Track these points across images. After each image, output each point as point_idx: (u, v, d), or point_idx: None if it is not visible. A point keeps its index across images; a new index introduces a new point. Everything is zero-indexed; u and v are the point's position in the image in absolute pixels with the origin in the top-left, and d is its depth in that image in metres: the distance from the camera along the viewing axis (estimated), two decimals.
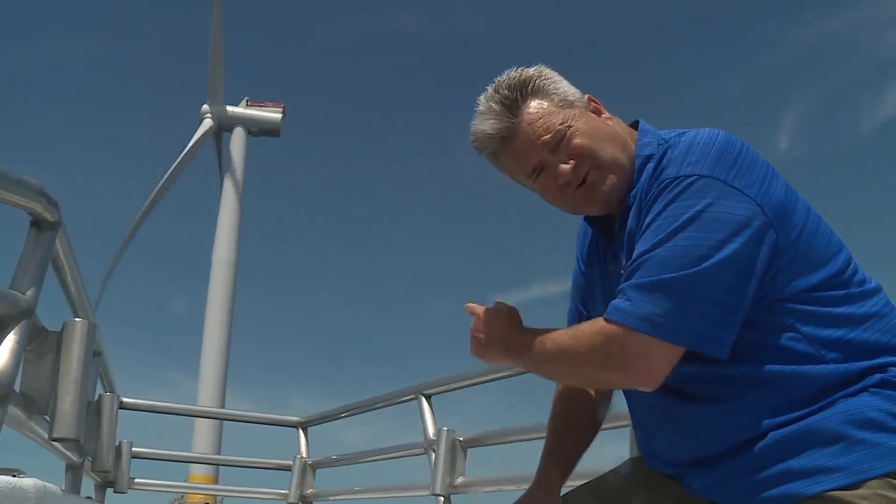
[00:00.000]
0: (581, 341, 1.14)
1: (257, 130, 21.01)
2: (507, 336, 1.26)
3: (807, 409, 1.06)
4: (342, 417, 4.11)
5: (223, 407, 14.91)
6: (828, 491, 1.01)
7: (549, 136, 1.19)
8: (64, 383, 1.64)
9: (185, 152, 19.18)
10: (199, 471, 11.85)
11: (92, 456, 3.09)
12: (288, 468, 4.20)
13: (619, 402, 1.45)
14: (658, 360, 1.07)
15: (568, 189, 1.20)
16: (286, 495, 4.10)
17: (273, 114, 21.14)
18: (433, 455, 2.95)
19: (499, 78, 1.24)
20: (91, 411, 2.98)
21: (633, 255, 1.11)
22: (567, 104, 1.21)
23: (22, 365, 1.50)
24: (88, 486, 3.39)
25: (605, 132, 1.21)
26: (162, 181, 18.95)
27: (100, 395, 3.20)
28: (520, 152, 1.21)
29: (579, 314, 1.40)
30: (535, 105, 1.21)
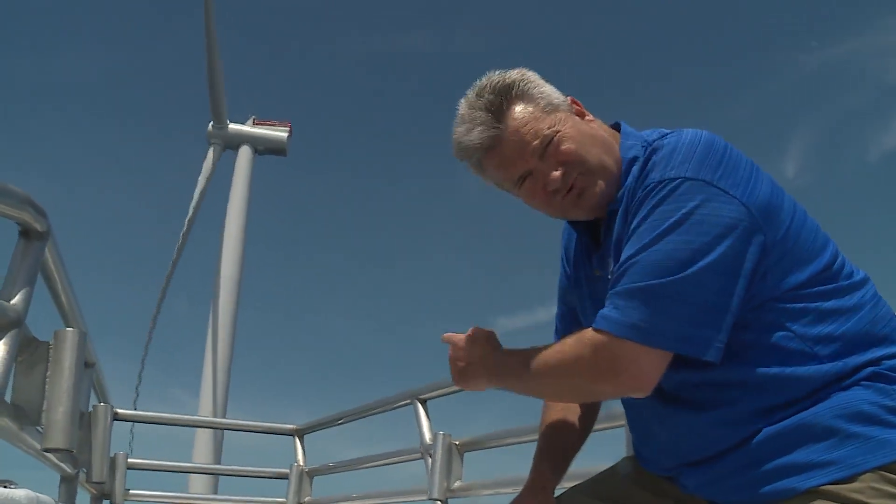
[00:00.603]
0: (568, 354, 1.13)
1: (263, 149, 21.19)
2: (488, 359, 1.25)
3: (799, 405, 1.06)
4: (338, 424, 4.10)
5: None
6: (822, 485, 1.01)
7: (537, 141, 1.17)
8: (55, 393, 1.63)
9: (200, 188, 19.36)
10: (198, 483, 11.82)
11: (86, 467, 3.07)
12: (285, 476, 4.18)
13: (614, 402, 1.45)
14: (648, 367, 1.06)
15: (557, 196, 1.18)
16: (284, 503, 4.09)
17: (279, 133, 21.36)
18: (430, 460, 2.94)
19: (480, 81, 1.21)
20: (84, 423, 2.97)
21: (620, 260, 1.10)
22: (552, 108, 1.19)
23: (12, 376, 1.49)
24: (84, 498, 3.38)
25: (591, 136, 1.19)
26: (188, 218, 19.18)
27: (94, 406, 3.18)
28: (507, 159, 1.19)
29: (566, 318, 1.39)
30: (520, 110, 1.18)
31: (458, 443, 2.93)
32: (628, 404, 1.31)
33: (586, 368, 1.10)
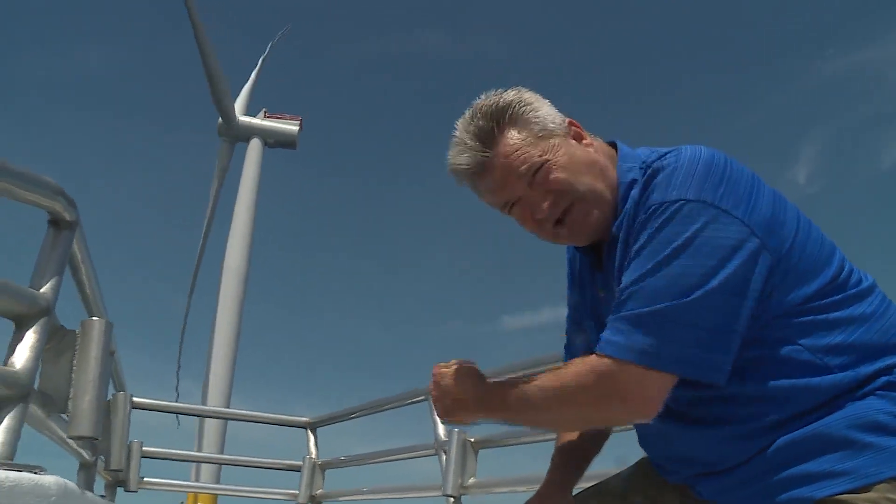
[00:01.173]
0: (569, 381, 1.10)
1: (274, 142, 21.34)
2: (475, 392, 1.21)
3: (813, 416, 1.05)
4: (351, 418, 4.12)
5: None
6: (836, 495, 1.00)
7: (525, 167, 1.15)
8: (82, 382, 1.65)
9: (214, 189, 19.57)
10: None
11: (105, 455, 3.10)
12: (297, 469, 4.20)
13: None
14: (654, 391, 1.05)
15: (546, 224, 1.17)
16: (296, 495, 4.11)
17: (290, 126, 21.51)
18: (444, 456, 2.95)
19: (476, 102, 1.19)
20: (104, 411, 2.99)
21: (623, 284, 1.08)
22: (547, 133, 1.17)
23: (41, 364, 1.51)
24: (99, 484, 3.41)
25: (584, 162, 1.17)
26: (208, 213, 19.42)
27: (113, 395, 3.22)
28: (495, 184, 1.17)
29: (573, 336, 1.37)
30: (512, 136, 1.16)
31: (472, 440, 2.94)
32: (638, 423, 1.29)
33: (592, 395, 1.08)
